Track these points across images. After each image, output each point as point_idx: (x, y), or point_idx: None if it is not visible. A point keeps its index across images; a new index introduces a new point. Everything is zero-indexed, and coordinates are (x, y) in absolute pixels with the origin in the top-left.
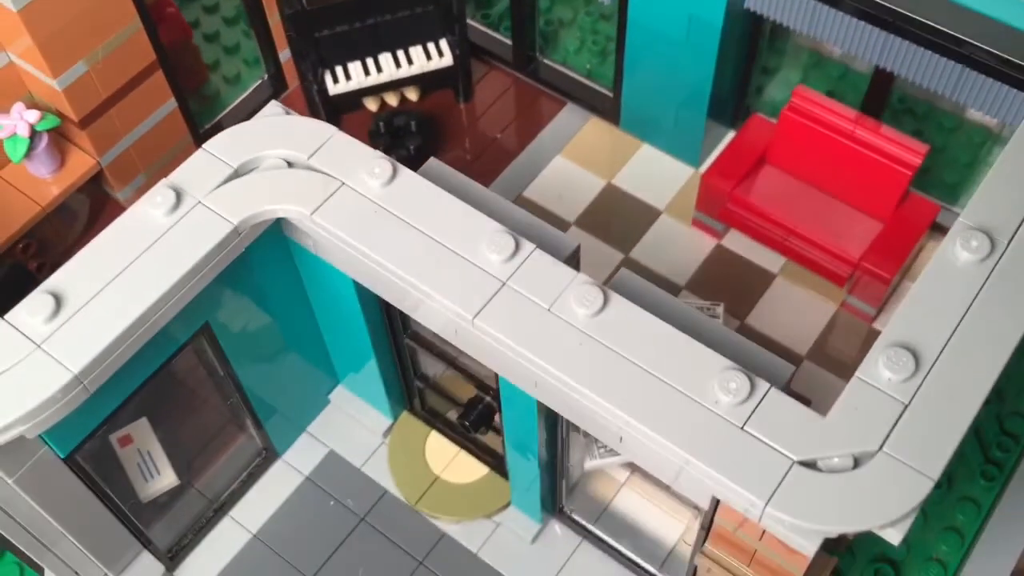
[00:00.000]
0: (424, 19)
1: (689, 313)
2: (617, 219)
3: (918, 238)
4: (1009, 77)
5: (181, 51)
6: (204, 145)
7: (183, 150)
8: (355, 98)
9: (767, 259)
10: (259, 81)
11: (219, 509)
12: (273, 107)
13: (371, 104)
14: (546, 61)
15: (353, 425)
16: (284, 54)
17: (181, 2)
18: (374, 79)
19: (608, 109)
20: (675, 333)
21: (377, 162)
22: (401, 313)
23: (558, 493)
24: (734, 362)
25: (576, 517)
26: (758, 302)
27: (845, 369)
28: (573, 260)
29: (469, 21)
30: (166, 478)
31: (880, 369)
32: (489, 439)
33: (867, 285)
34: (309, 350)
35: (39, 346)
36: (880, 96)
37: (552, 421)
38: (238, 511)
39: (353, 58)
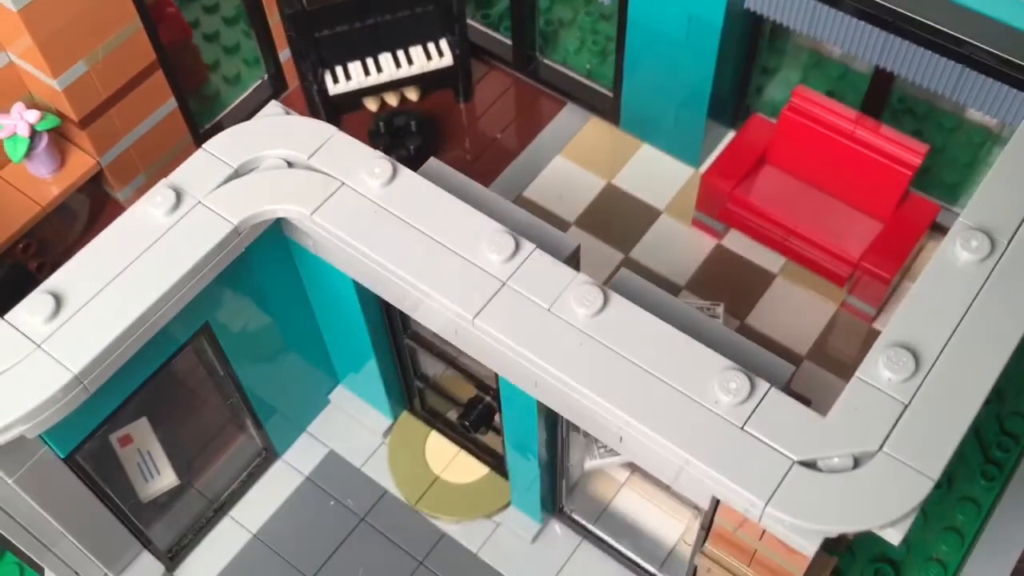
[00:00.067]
0: (424, 19)
1: (689, 313)
2: (617, 219)
3: (918, 238)
4: (1009, 77)
5: (181, 51)
6: (204, 145)
7: (183, 150)
8: (355, 98)
9: (767, 259)
10: (259, 81)
11: (219, 509)
12: (273, 107)
13: (371, 104)
14: (546, 61)
15: (353, 425)
16: (284, 54)
17: (181, 2)
18: (374, 79)
19: (608, 109)
20: (675, 333)
21: (377, 162)
22: (401, 313)
23: (558, 493)
24: (734, 362)
25: (576, 517)
26: (758, 302)
27: (845, 369)
28: (573, 260)
29: (469, 21)
30: (166, 478)
31: (880, 369)
32: (489, 439)
33: (867, 285)
34: (309, 350)
35: (39, 346)
36: (880, 96)
37: (552, 421)
38: (238, 511)
39: (353, 58)
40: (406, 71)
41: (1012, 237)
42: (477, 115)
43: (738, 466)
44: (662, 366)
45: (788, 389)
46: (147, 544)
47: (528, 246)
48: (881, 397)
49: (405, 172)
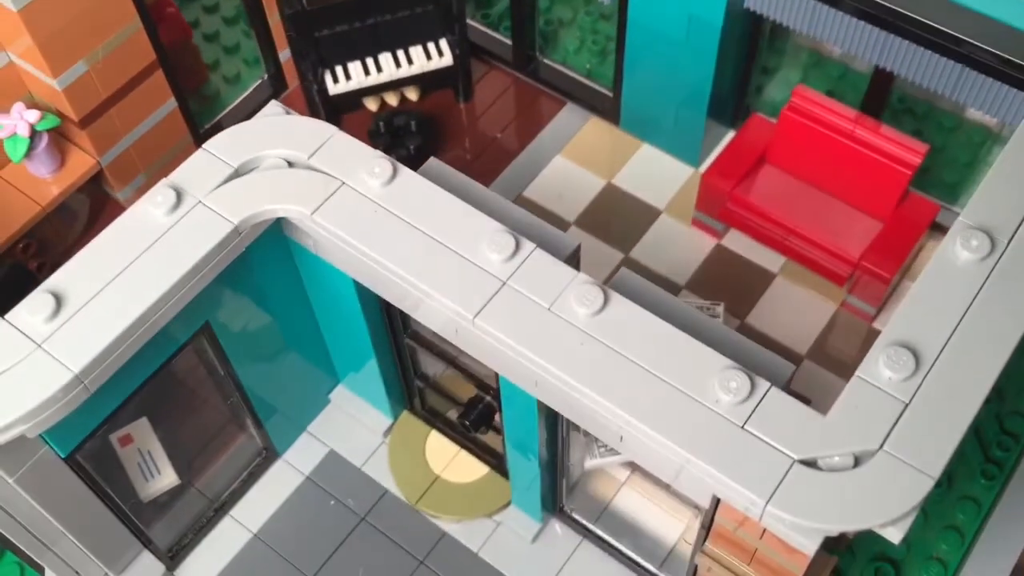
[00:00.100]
0: (424, 19)
1: (689, 312)
2: (617, 219)
3: (918, 238)
4: (1009, 77)
5: (181, 51)
6: (204, 145)
7: (183, 150)
8: (355, 98)
9: (767, 259)
10: (259, 81)
11: (219, 509)
12: (273, 107)
13: (371, 104)
14: (546, 61)
15: (353, 425)
16: (284, 54)
17: (181, 2)
18: (374, 79)
19: (608, 109)
20: (675, 332)
21: (377, 162)
22: (401, 313)
23: (558, 492)
24: (734, 361)
25: (576, 516)
26: (758, 302)
27: (845, 369)
28: (573, 260)
29: (469, 21)
30: (166, 478)
31: (880, 368)
32: (489, 438)
33: (867, 284)
34: (309, 350)
35: (40, 346)
36: (880, 96)
37: (552, 420)
38: (238, 511)
39: (353, 58)
40: (406, 71)
41: (1012, 236)
42: (477, 115)
43: (739, 465)
44: (662, 365)
45: (788, 388)
46: (147, 544)
47: (528, 246)
48: (881, 396)
49: (405, 172)
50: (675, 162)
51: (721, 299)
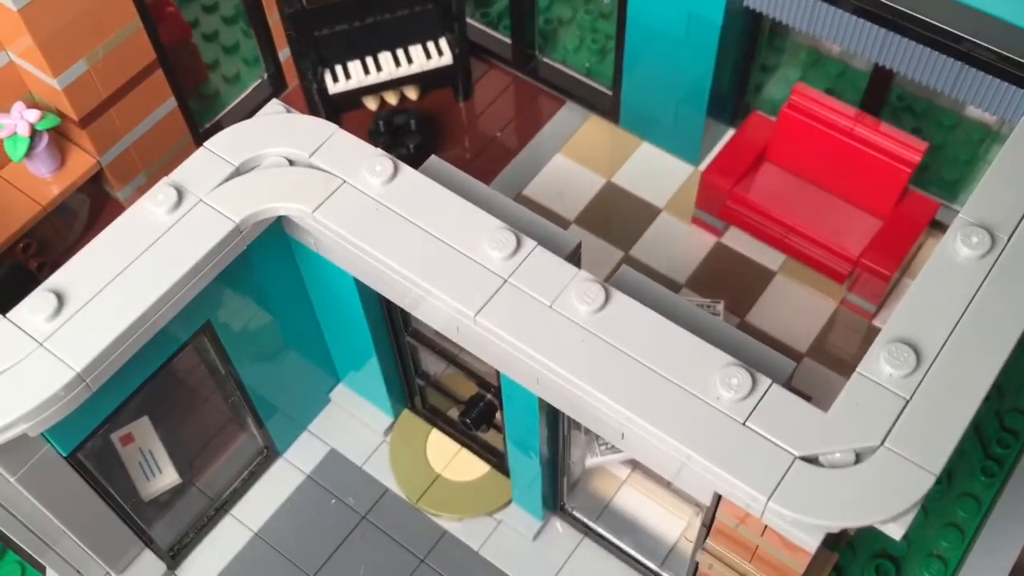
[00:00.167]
0: (424, 18)
1: (690, 310)
2: (617, 217)
3: (918, 235)
4: (1008, 74)
5: (181, 50)
6: (205, 143)
7: (183, 149)
8: (355, 97)
9: (767, 257)
10: (259, 80)
11: (220, 508)
12: (274, 105)
13: (371, 103)
14: (545, 59)
15: (354, 423)
16: (284, 53)
17: (181, 2)
18: (374, 78)
19: (608, 107)
20: (677, 329)
21: (378, 160)
22: (402, 311)
23: (559, 490)
24: (735, 358)
25: (577, 514)
26: (758, 299)
27: (845, 366)
28: (574, 257)
29: (468, 20)
30: (167, 477)
31: (881, 365)
32: (490, 437)
33: (867, 282)
34: (310, 348)
35: (41, 344)
36: (879, 93)
37: (553, 418)
38: (239, 509)
39: (353, 57)
40: (406, 70)
41: (1012, 233)
42: (477, 114)
43: (740, 462)
44: (664, 362)
45: (789, 385)
46: (149, 543)
47: (529, 243)
48: (882, 392)
49: (406, 170)
50: (675, 160)
51: (721, 297)
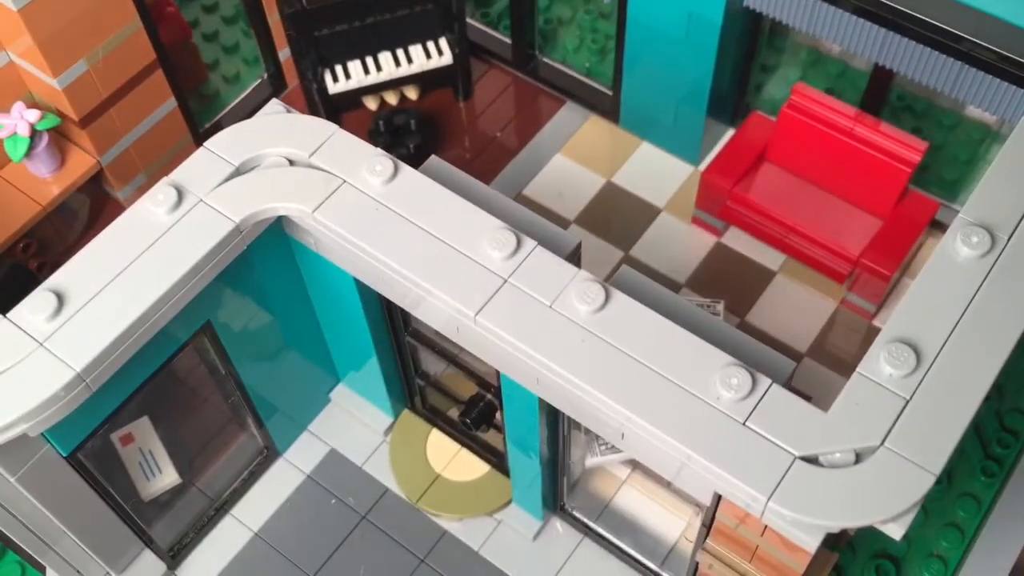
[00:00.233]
0: (424, 18)
1: (690, 310)
2: (617, 217)
3: (917, 235)
4: (1008, 74)
5: (181, 50)
6: (205, 143)
7: (183, 149)
8: (355, 97)
9: (767, 257)
10: (259, 80)
11: (220, 508)
12: (274, 105)
13: (371, 103)
14: (545, 59)
15: (354, 423)
16: (284, 53)
17: (181, 2)
18: (374, 78)
19: (608, 107)
20: (677, 329)
21: (378, 160)
22: (402, 311)
23: (559, 490)
24: (736, 358)
25: (577, 514)
26: (758, 299)
27: (845, 366)
28: (574, 257)
29: (468, 20)
30: (167, 477)
31: (881, 364)
32: (490, 437)
33: (867, 282)
34: (310, 348)
35: (41, 344)
36: (879, 93)
37: (553, 418)
38: (239, 509)
39: (353, 57)
40: (406, 70)
41: (1012, 233)
42: (477, 114)
43: (740, 461)
44: (664, 362)
45: (789, 385)
46: (149, 543)
47: (529, 243)
48: (882, 392)
49: (406, 170)
50: (675, 160)
51: (721, 297)
